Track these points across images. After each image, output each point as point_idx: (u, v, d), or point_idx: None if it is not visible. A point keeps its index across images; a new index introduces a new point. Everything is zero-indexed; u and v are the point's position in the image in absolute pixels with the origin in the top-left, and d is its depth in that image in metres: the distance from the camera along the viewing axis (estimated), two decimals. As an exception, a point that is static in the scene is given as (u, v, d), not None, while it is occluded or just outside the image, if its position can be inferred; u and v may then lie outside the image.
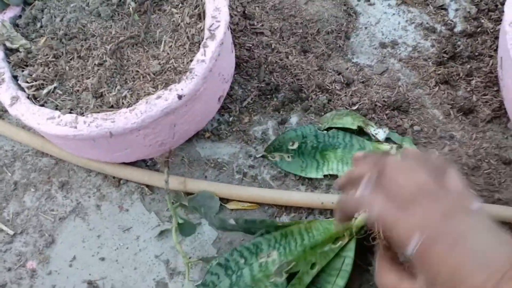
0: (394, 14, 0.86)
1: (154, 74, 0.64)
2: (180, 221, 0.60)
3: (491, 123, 0.73)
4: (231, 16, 0.87)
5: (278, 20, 0.87)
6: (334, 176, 0.70)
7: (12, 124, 0.75)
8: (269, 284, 0.58)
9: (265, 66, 0.82)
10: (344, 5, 0.87)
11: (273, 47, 0.84)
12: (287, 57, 0.82)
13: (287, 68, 0.81)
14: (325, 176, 0.70)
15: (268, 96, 0.79)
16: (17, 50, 0.68)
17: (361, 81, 0.79)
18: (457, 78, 0.77)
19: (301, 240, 0.61)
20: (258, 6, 0.89)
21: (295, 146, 0.72)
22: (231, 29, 0.85)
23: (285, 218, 0.68)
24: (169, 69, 0.64)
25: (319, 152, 0.72)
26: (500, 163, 0.69)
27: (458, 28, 0.83)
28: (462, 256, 0.35)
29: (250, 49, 0.84)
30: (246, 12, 0.88)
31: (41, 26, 0.70)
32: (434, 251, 0.36)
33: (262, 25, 0.87)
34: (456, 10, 0.85)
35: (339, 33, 0.84)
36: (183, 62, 0.65)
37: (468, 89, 0.76)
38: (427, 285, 0.37)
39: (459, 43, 0.80)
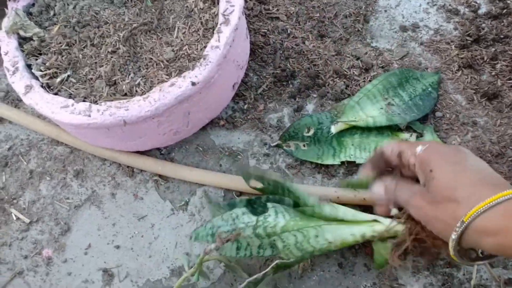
0: (415, -4, 0.83)
1: (167, 61, 0.63)
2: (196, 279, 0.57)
3: (517, 108, 0.69)
4: (245, 1, 0.85)
5: (294, 4, 0.84)
6: (351, 163, 0.68)
7: (27, 113, 0.75)
8: None
9: (281, 52, 0.80)
10: (363, -13, 0.84)
11: (289, 32, 0.82)
12: (304, 42, 0.80)
13: (304, 53, 0.79)
14: (342, 163, 0.69)
15: (284, 83, 0.77)
16: (30, 38, 0.67)
17: (381, 66, 0.76)
18: (481, 62, 0.74)
19: None
20: (273, -10, 0.87)
21: (311, 132, 0.71)
22: (245, 14, 0.83)
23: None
24: (183, 56, 0.63)
25: (336, 138, 0.70)
26: (526, 151, 0.66)
27: (483, 10, 0.79)
28: (462, 168, 0.43)
29: (266, 34, 0.82)
30: (260, -4, 0.86)
31: (54, 14, 0.69)
32: (437, 157, 0.45)
33: (278, 10, 0.84)
34: (482, -10, 0.81)
35: (357, 17, 0.82)
36: (197, 49, 0.63)
37: (493, 73, 0.73)
38: (426, 184, 0.45)
39: (483, 25, 0.77)
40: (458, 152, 0.45)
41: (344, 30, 0.80)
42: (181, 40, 0.65)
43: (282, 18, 0.83)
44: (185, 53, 0.63)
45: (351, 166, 0.68)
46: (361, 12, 0.82)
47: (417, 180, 0.49)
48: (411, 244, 0.50)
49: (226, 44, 0.62)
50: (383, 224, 0.54)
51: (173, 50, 0.64)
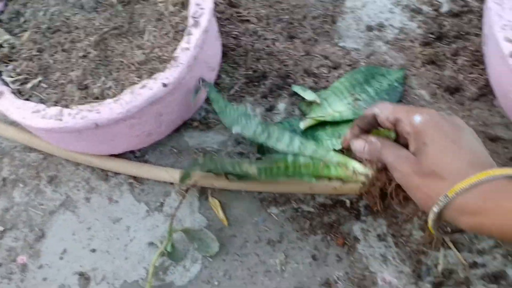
0: (380, -3, 0.86)
1: (138, 63, 0.64)
2: (170, 249, 0.61)
3: (478, 101, 0.73)
4: (216, 5, 0.87)
5: (264, 7, 0.86)
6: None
7: (-1, 120, 0.75)
8: None
9: (252, 53, 0.81)
10: (329, -11, 0.87)
11: (259, 34, 0.83)
12: (274, 44, 0.82)
13: (274, 54, 0.81)
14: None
15: (256, 83, 0.79)
16: (0, 45, 0.67)
17: (348, 64, 0.78)
18: (444, 58, 0.77)
19: None
20: (243, -6, 0.88)
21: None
22: (217, 17, 0.85)
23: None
24: (154, 58, 0.64)
25: (310, 134, 0.72)
26: (486, 140, 0.69)
27: (444, 8, 0.82)
28: (456, 146, 0.44)
29: (237, 37, 0.83)
30: (232, 0, 0.87)
31: (25, 21, 0.70)
32: (433, 131, 0.45)
33: (249, 13, 0.86)
34: (443, -10, 0.84)
35: (325, 18, 0.84)
36: (168, 51, 0.64)
37: (455, 68, 0.76)
38: (416, 154, 0.46)
39: (445, 23, 0.80)
40: (456, 129, 0.45)
41: (312, 31, 0.83)
42: (152, 43, 0.66)
43: (253, 21, 0.85)
44: (156, 56, 0.64)
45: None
46: (328, 14, 0.84)
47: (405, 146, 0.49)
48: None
49: (196, 46, 0.63)
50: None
51: (143, 53, 0.65)
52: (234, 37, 0.83)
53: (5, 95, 0.62)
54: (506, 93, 0.63)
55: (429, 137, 0.44)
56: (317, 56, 0.80)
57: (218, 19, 0.85)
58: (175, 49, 0.64)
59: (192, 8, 0.66)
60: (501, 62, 0.58)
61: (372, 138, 0.52)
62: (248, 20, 0.85)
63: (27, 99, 0.62)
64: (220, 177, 0.65)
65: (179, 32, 0.66)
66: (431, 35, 0.79)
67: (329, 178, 0.59)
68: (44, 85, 0.64)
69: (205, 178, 0.66)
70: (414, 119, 0.46)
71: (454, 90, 0.74)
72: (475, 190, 0.40)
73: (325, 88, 0.77)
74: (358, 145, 0.53)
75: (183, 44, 0.63)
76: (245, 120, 0.65)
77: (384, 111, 0.50)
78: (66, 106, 0.61)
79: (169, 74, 0.61)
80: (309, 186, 0.63)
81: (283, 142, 0.63)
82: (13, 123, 0.74)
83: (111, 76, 0.63)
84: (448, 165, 0.42)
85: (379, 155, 0.50)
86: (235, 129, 0.64)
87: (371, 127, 0.54)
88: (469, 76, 0.74)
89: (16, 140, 0.73)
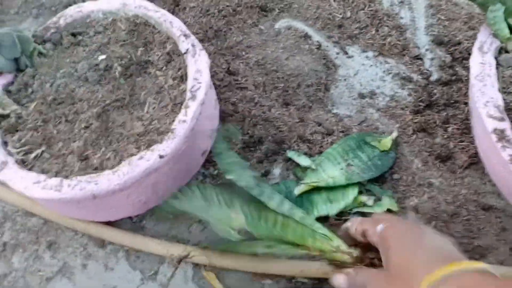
0: (372, 65, 0.90)
1: (137, 135, 0.67)
2: None
3: (469, 169, 0.74)
4: (216, 73, 0.91)
5: (261, 75, 0.91)
6: (324, 218, 0.71)
7: (2, 185, 0.77)
8: None
9: (249, 119, 0.85)
10: (324, 58, 0.91)
11: (256, 101, 0.87)
12: (270, 110, 0.86)
13: (270, 120, 0.84)
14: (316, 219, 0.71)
15: (252, 149, 0.81)
16: (8, 115, 0.71)
17: (341, 130, 0.81)
18: (434, 125, 0.79)
19: None
20: (242, 62, 0.93)
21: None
22: (216, 85, 0.89)
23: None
24: (152, 130, 0.67)
25: (306, 198, 0.74)
26: (479, 209, 0.70)
27: (434, 77, 0.86)
28: (418, 245, 0.45)
29: (235, 103, 0.87)
30: (230, 68, 0.92)
31: (32, 92, 0.74)
32: (394, 236, 0.48)
33: (246, 80, 0.90)
34: (432, 59, 0.88)
35: (319, 86, 0.88)
36: (166, 123, 0.67)
37: (445, 136, 0.78)
38: (385, 265, 0.48)
39: (435, 91, 0.83)
40: (416, 231, 0.48)
41: (307, 98, 0.86)
42: (151, 115, 0.69)
43: (250, 88, 0.89)
44: (155, 127, 0.67)
45: (325, 220, 0.71)
46: (322, 82, 0.88)
47: None
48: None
49: (193, 118, 0.66)
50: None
51: (143, 125, 0.68)
52: (232, 104, 0.87)
53: (9, 165, 0.65)
54: (493, 165, 0.65)
55: (391, 242, 0.47)
56: (311, 123, 0.83)
57: (217, 87, 0.89)
58: (173, 121, 0.67)
59: (190, 82, 0.70)
60: (485, 137, 0.60)
61: (350, 270, 0.54)
62: (245, 88, 0.89)
63: (30, 169, 0.65)
64: (213, 253, 0.66)
65: (177, 104, 0.69)
66: (421, 103, 0.82)
67: (313, 250, 0.60)
68: (47, 155, 0.67)
69: (199, 255, 0.66)
70: (378, 228, 0.50)
71: (445, 158, 0.75)
72: (444, 284, 0.39)
73: (319, 154, 0.79)
74: (337, 280, 0.54)
75: (180, 116, 0.66)
76: (239, 169, 0.67)
77: (354, 224, 0.55)
78: (66, 177, 0.63)
79: (166, 146, 0.64)
80: (300, 269, 0.64)
81: (274, 201, 0.65)
82: (17, 187, 0.77)
83: (110, 147, 0.66)
84: (412, 263, 0.43)
85: (356, 281, 0.52)
86: (228, 176, 0.66)
87: (349, 240, 0.57)
88: (459, 144, 0.76)
89: (18, 205, 0.75)
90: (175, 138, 0.64)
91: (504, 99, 0.60)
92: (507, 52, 0.65)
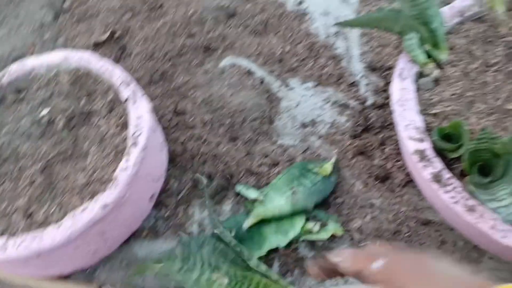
0: (312, 95, 0.94)
1: (81, 186, 0.68)
2: None
3: (407, 186, 0.78)
4: (163, 115, 0.94)
5: (208, 113, 0.94)
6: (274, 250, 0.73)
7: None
8: None
9: (198, 157, 0.87)
10: (267, 92, 0.95)
11: (204, 138, 0.90)
12: (218, 146, 0.88)
13: (218, 157, 0.87)
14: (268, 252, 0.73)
15: (202, 187, 0.83)
16: (-48, 178, 0.71)
17: (286, 160, 0.84)
18: (372, 148, 0.83)
19: None
20: (189, 102, 0.96)
21: (233, 233, 0.75)
22: (163, 126, 0.92)
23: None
24: (95, 180, 0.69)
25: (256, 231, 0.76)
26: (419, 225, 0.74)
27: (369, 101, 0.91)
28: (432, 278, 0.38)
29: (183, 142, 0.89)
30: (178, 109, 0.95)
31: (-24, 152, 0.74)
32: (401, 272, 0.39)
33: (194, 119, 0.93)
34: (367, 85, 0.94)
35: (263, 119, 0.91)
36: (108, 172, 0.69)
37: (383, 157, 0.82)
38: None
39: (371, 115, 0.88)
40: (425, 261, 0.41)
41: (252, 132, 0.90)
42: (94, 164, 0.71)
43: (198, 126, 0.92)
44: (97, 177, 0.69)
45: (275, 252, 0.73)
46: (266, 115, 0.92)
47: None
48: None
49: (136, 164, 0.68)
50: None
51: (86, 175, 0.69)
52: (181, 143, 0.89)
53: (-47, 229, 0.65)
54: (420, 183, 0.69)
55: (401, 278, 0.39)
56: (258, 155, 0.86)
57: (165, 128, 0.92)
58: (115, 169, 0.68)
59: (131, 129, 0.72)
60: (409, 157, 0.64)
61: None
62: (193, 126, 0.92)
63: (-26, 231, 0.65)
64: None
65: (119, 152, 0.71)
66: (359, 127, 0.86)
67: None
68: (-9, 215, 0.67)
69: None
70: (375, 266, 0.42)
71: (384, 178, 0.79)
72: None
73: (266, 185, 0.81)
74: None
75: (122, 164, 0.68)
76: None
77: (345, 262, 0.47)
78: (12, 235, 0.64)
79: (109, 195, 0.65)
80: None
81: (253, 261, 0.68)
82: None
83: (55, 201, 0.67)
84: None
85: None
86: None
87: (333, 271, 0.52)
88: (396, 164, 0.81)
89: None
90: (117, 186, 0.66)
91: (424, 120, 0.65)
92: (425, 76, 0.70)
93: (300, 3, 1.12)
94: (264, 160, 0.85)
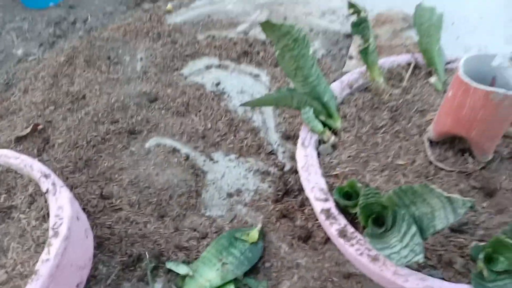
0: (235, 166, 1.00)
1: (1, 284, 0.66)
2: None
3: (327, 243, 0.83)
4: (88, 201, 0.94)
5: (135, 194, 0.96)
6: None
7: None
8: None
9: (126, 239, 0.87)
10: (192, 167, 1.00)
11: (132, 219, 0.91)
12: (146, 226, 0.90)
13: (147, 236, 0.88)
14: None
15: (132, 268, 0.83)
16: None
17: (215, 231, 0.87)
18: (293, 210, 0.89)
19: None
20: (115, 185, 0.98)
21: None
22: (89, 212, 0.92)
23: None
24: (16, 275, 0.67)
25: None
26: (341, 279, 0.78)
27: (287, 167, 0.98)
28: None
29: (111, 226, 0.90)
30: (104, 193, 0.96)
31: None
32: None
33: (121, 201, 0.95)
34: (283, 152, 1.02)
35: (190, 193, 0.95)
36: (29, 265, 0.68)
37: (303, 218, 0.88)
38: None
39: (289, 179, 0.95)
40: None
41: (180, 207, 0.92)
42: (15, 260, 0.69)
43: (125, 208, 0.93)
44: (18, 272, 0.67)
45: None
46: (193, 189, 0.96)
47: None
48: None
49: (57, 255, 0.68)
50: None
51: (6, 272, 0.67)
52: (108, 227, 0.90)
53: None
54: (333, 239, 0.74)
55: None
56: (186, 230, 0.88)
57: (91, 214, 0.92)
58: (36, 262, 0.67)
59: (52, 220, 0.72)
60: (319, 216, 0.70)
61: None
62: (120, 208, 0.93)
63: None
64: None
65: (40, 244, 0.70)
66: (279, 192, 0.92)
67: None
68: None
69: None
70: None
71: (306, 238, 0.84)
72: None
73: (196, 258, 0.83)
74: None
75: (43, 256, 0.67)
76: None
77: None
78: None
79: (30, 290, 0.63)
80: None
81: None
82: None
83: (-31, 305, 0.64)
84: None
85: None
86: None
87: None
88: (316, 223, 0.87)
89: None
90: (39, 279, 0.65)
91: (326, 182, 0.72)
92: (324, 143, 0.79)
93: (218, 84, 1.22)
94: (193, 234, 0.87)
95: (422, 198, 0.57)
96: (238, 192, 0.95)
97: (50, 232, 0.70)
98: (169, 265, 0.82)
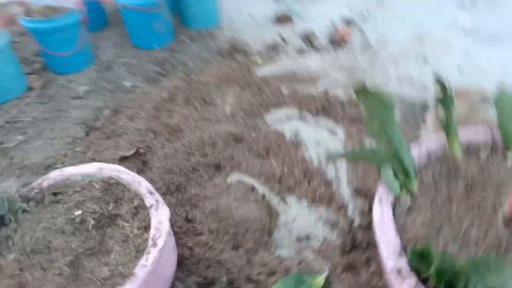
0: (306, 212, 1.08)
1: (103, 279, 0.77)
2: None
3: (390, 300, 0.87)
4: (175, 221, 1.06)
5: (215, 222, 1.06)
6: None
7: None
8: None
9: (203, 261, 0.97)
10: (267, 207, 1.10)
11: (210, 245, 1.01)
12: (222, 253, 0.99)
13: (222, 263, 0.97)
14: None
15: (205, 290, 0.92)
16: (-13, 266, 0.81)
17: (283, 271, 0.94)
18: (359, 265, 0.94)
19: None
20: (199, 211, 1.09)
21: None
22: (175, 232, 1.03)
23: None
24: (117, 274, 0.78)
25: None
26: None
27: (356, 223, 1.04)
28: None
29: (191, 248, 1.00)
30: (189, 217, 1.08)
31: (13, 244, 0.85)
32: None
33: (202, 227, 1.05)
34: (354, 207, 1.08)
35: (263, 231, 1.04)
36: (129, 267, 0.79)
37: (369, 274, 0.92)
38: None
39: (358, 235, 1.01)
40: None
41: (254, 242, 1.01)
42: (117, 261, 0.81)
43: (205, 234, 1.04)
44: (119, 272, 0.79)
45: None
46: (266, 227, 1.04)
47: None
48: None
49: (154, 263, 0.79)
50: None
51: (109, 270, 0.79)
52: (189, 248, 1.00)
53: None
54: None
55: None
56: (257, 264, 0.96)
57: (177, 233, 1.03)
58: (135, 266, 0.79)
59: (152, 231, 0.84)
60: (389, 273, 0.75)
61: None
62: (201, 233, 1.04)
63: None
64: None
65: (140, 251, 0.82)
66: (347, 245, 0.98)
67: None
68: (20, 302, 0.75)
69: None
70: None
71: (369, 292, 0.89)
72: None
73: (263, 292, 0.90)
74: None
75: (142, 261, 0.79)
76: None
77: None
78: (36, 320, 0.71)
79: (128, 289, 0.74)
80: None
81: None
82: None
83: (79, 291, 0.76)
84: None
85: None
86: None
87: None
88: (381, 281, 0.91)
89: None
90: (136, 281, 0.76)
91: (400, 242, 0.78)
92: (399, 203, 0.85)
93: (297, 134, 1.33)
94: (263, 269, 0.95)
95: (495, 271, 0.62)
96: (307, 237, 1.02)
97: (150, 242, 0.82)
98: None
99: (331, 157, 0.97)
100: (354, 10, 2.06)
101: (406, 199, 0.84)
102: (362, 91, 0.81)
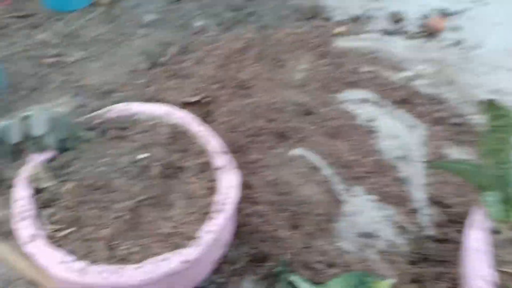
0: (373, 208, 0.99)
1: (164, 235, 0.71)
2: None
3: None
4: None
5: (273, 194, 0.99)
6: None
7: (13, 251, 0.78)
8: None
9: (257, 234, 0.90)
10: (331, 192, 1.01)
11: (266, 218, 0.94)
12: (277, 230, 0.92)
13: (277, 240, 0.90)
14: None
15: (258, 264, 0.86)
16: (44, 189, 0.75)
17: (343, 265, 0.87)
18: (428, 279, 0.86)
19: None
20: (257, 179, 1.02)
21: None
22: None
23: None
24: (179, 233, 0.72)
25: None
26: None
27: (429, 232, 0.95)
28: None
29: (247, 216, 0.93)
30: (246, 182, 1.00)
31: (71, 172, 0.79)
32: None
33: (260, 196, 0.98)
34: (428, 215, 0.98)
35: (326, 216, 0.96)
36: (192, 229, 0.72)
37: (436, 291, 0.84)
38: None
39: (429, 246, 0.92)
40: None
41: (314, 226, 0.94)
42: (180, 218, 0.74)
43: (262, 204, 0.96)
44: (181, 232, 0.72)
45: None
46: (328, 214, 0.96)
47: None
48: None
49: (219, 229, 0.72)
50: None
51: (172, 227, 0.73)
52: (244, 216, 0.93)
53: (38, 239, 0.67)
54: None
55: None
56: (315, 252, 0.89)
57: (233, 198, 0.96)
58: (199, 229, 0.72)
59: (221, 196, 0.76)
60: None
61: None
62: (257, 203, 0.97)
63: (58, 246, 0.67)
64: None
65: (205, 214, 0.75)
66: (417, 255, 0.90)
67: None
68: (76, 236, 0.69)
69: None
70: None
71: (435, 312, 0.81)
72: None
73: (320, 283, 0.83)
74: None
75: (208, 226, 0.72)
76: None
77: None
78: (92, 262, 0.66)
79: (191, 252, 0.68)
80: None
81: None
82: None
83: (138, 242, 0.70)
84: None
85: None
86: None
87: None
88: (445, 301, 0.83)
89: (25, 274, 0.75)
90: (200, 246, 0.69)
91: (495, 275, 0.69)
92: (498, 233, 0.75)
93: (371, 120, 1.22)
94: (322, 258, 0.88)
95: None
96: (372, 235, 0.94)
97: (217, 207, 0.75)
98: (294, 278, 0.83)
99: (431, 165, 0.87)
100: (454, 5, 1.87)
101: (508, 231, 0.75)
102: (491, 105, 0.70)
